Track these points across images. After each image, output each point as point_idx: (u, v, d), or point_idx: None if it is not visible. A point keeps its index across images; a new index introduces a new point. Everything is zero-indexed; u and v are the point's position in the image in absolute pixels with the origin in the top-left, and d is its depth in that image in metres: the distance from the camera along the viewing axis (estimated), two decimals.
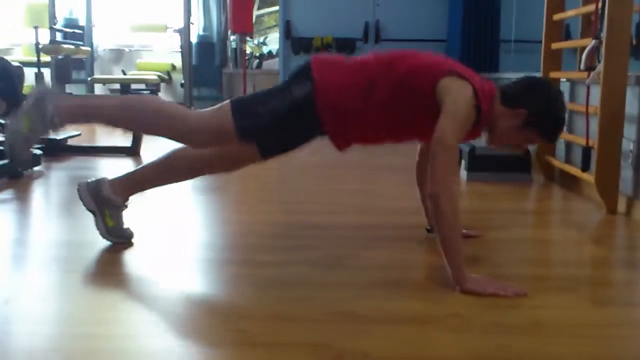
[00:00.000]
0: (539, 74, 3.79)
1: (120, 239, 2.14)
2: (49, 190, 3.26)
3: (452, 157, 1.82)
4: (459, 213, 1.79)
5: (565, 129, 3.60)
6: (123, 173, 2.17)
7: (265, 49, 8.20)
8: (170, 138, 2.00)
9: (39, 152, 3.71)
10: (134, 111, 1.99)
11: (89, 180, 2.13)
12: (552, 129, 1.98)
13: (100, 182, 2.11)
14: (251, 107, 1.95)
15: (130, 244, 2.16)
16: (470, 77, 1.91)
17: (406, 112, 1.96)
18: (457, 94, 1.87)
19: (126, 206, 2.15)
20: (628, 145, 2.83)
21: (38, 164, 3.65)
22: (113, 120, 2.03)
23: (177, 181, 2.18)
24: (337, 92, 1.93)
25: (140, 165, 2.20)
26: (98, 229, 2.12)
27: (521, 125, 1.95)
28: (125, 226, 2.16)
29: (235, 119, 1.92)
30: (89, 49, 6.86)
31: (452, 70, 1.92)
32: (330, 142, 2.03)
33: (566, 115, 2.00)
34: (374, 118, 1.97)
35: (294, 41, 7.35)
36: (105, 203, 2.10)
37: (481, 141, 3.99)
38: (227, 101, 1.99)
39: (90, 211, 2.11)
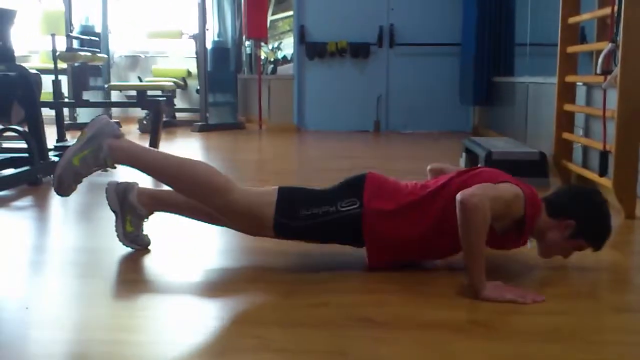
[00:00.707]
0: (555, 79, 3.77)
1: (135, 245, 2.15)
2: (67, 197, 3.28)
3: (480, 215, 1.74)
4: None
5: (581, 132, 3.60)
6: (155, 187, 2.19)
7: (279, 54, 8.22)
8: (207, 206, 1.99)
9: (57, 159, 3.75)
10: (185, 177, 1.96)
11: (119, 182, 2.14)
12: (601, 238, 1.95)
13: (129, 187, 2.12)
14: (296, 207, 1.92)
15: (147, 251, 2.17)
16: (519, 185, 1.90)
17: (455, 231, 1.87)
18: (506, 188, 1.86)
19: (148, 218, 2.16)
20: None
21: None
22: (161, 177, 2.03)
23: (196, 219, 2.14)
24: (385, 222, 1.91)
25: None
26: (116, 230, 2.14)
27: (570, 236, 1.92)
28: (144, 233, 2.18)
29: (276, 212, 1.91)
30: (105, 55, 6.92)
31: (501, 180, 1.90)
32: (366, 256, 1.98)
33: (612, 222, 1.97)
34: (422, 246, 1.95)
35: (308, 46, 7.37)
36: (128, 208, 2.11)
37: (497, 146, 3.97)
38: (276, 188, 1.96)
39: (113, 211, 2.13)
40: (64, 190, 1.99)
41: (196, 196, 1.99)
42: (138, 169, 2.01)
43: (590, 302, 1.77)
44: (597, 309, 1.72)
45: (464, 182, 1.90)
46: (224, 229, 2.17)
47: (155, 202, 2.14)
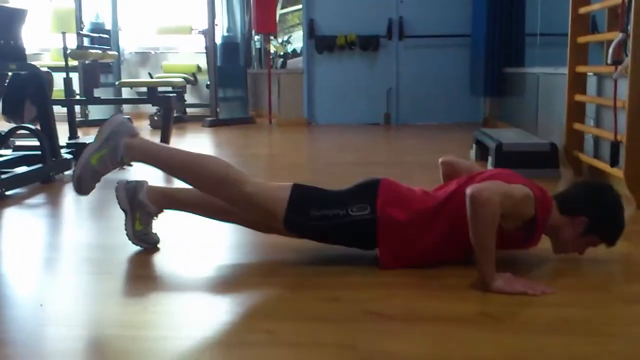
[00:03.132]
0: (565, 69, 3.75)
1: (144, 244, 2.16)
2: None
3: (490, 209, 1.74)
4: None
5: (593, 123, 3.58)
6: (165, 185, 2.20)
7: (289, 48, 8.21)
8: (222, 199, 2.01)
9: (69, 156, 3.78)
10: (201, 171, 1.98)
11: (128, 180, 2.16)
12: (614, 233, 1.95)
13: (138, 185, 2.14)
14: (307, 206, 1.93)
15: (158, 247, 2.19)
16: (529, 186, 1.89)
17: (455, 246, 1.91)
18: (517, 189, 1.85)
19: (157, 216, 2.16)
20: None
21: (69, 168, 3.72)
22: (179, 174, 2.03)
23: (206, 217, 2.16)
24: (397, 230, 1.91)
25: (184, 187, 2.12)
26: (126, 229, 2.14)
27: (583, 233, 1.92)
28: (153, 231, 2.19)
29: (288, 209, 1.92)
30: (115, 53, 6.95)
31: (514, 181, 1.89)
32: (378, 257, 1.97)
33: (625, 217, 1.96)
34: (435, 252, 1.95)
35: (317, 40, 7.35)
36: (138, 206, 2.12)
37: (507, 137, 3.95)
38: (290, 184, 1.97)
39: (123, 210, 2.14)
40: (84, 190, 2.02)
41: (212, 189, 2.00)
42: (155, 166, 2.04)
43: (601, 293, 1.77)
44: (607, 301, 1.71)
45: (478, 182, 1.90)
46: (234, 225, 2.18)
47: (164, 200, 2.15)
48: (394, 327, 1.55)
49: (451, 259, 1.99)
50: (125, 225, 2.15)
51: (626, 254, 2.21)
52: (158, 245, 2.19)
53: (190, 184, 2.04)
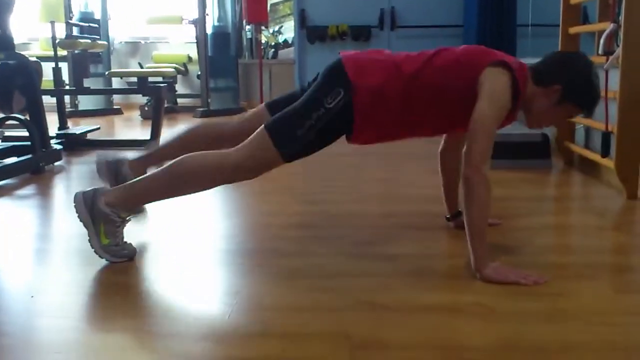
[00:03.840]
0: None
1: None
2: (70, 184, 3.30)
3: (490, 142, 1.81)
4: (491, 200, 1.78)
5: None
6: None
7: (280, 38, 8.18)
8: (223, 183, 1.97)
9: (59, 147, 3.75)
10: (183, 178, 1.91)
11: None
12: (590, 99, 1.94)
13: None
14: (290, 132, 1.89)
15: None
16: (508, 62, 1.89)
17: (445, 107, 1.92)
18: (495, 80, 1.85)
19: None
20: None
21: (59, 159, 3.70)
22: (170, 195, 1.96)
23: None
24: (376, 98, 1.90)
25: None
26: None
27: (558, 102, 1.92)
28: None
29: (278, 147, 1.88)
30: (105, 42, 6.90)
31: (491, 61, 1.89)
32: (348, 136, 1.98)
33: (600, 83, 1.96)
34: (411, 118, 1.96)
35: (309, 30, 7.33)
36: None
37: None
38: (261, 129, 1.91)
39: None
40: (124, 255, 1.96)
41: (204, 185, 1.95)
42: (144, 203, 2.05)
43: (592, 283, 1.77)
44: (598, 290, 1.72)
45: (449, 60, 1.92)
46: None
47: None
48: (387, 317, 1.55)
49: (428, 133, 2.04)
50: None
51: (617, 244, 2.22)
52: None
53: (184, 194, 1.97)
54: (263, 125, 1.92)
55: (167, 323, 1.53)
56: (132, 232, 2.13)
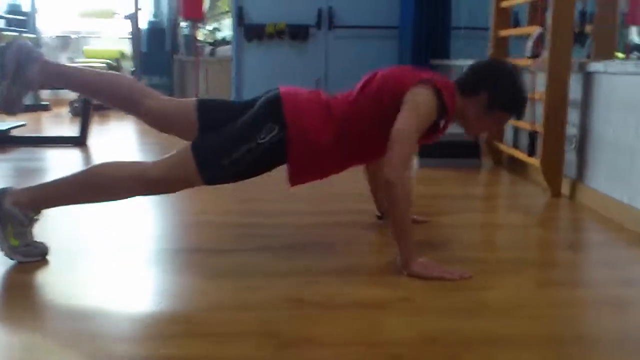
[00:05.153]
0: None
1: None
2: None
3: (410, 149, 1.82)
4: (411, 200, 1.81)
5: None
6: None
7: (219, 35, 8.09)
8: (138, 195, 1.92)
9: None
10: (97, 186, 1.86)
11: None
12: (516, 103, 1.97)
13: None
14: (216, 159, 1.86)
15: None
16: (432, 79, 1.91)
17: (380, 132, 1.89)
18: (417, 95, 1.87)
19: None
20: (572, 130, 2.90)
21: None
22: (81, 200, 1.91)
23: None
24: (311, 137, 1.90)
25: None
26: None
27: (487, 109, 1.95)
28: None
29: (200, 171, 1.85)
30: (33, 35, 6.66)
31: (416, 81, 1.90)
32: (287, 175, 1.97)
33: (526, 87, 2.00)
34: (344, 155, 1.97)
35: (247, 28, 7.26)
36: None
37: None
38: (187, 147, 1.88)
39: None
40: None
41: (118, 195, 1.91)
42: (53, 206, 1.92)
43: (515, 278, 1.82)
44: (521, 284, 1.77)
45: (372, 91, 1.94)
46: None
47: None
48: (316, 314, 1.55)
49: (356, 165, 2.08)
50: None
51: (541, 240, 2.29)
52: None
53: (103, 201, 1.93)
54: (190, 144, 1.88)
55: (94, 325, 1.48)
56: (55, 230, 2.06)
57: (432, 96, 1.87)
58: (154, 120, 1.96)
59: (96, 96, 2.03)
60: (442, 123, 1.96)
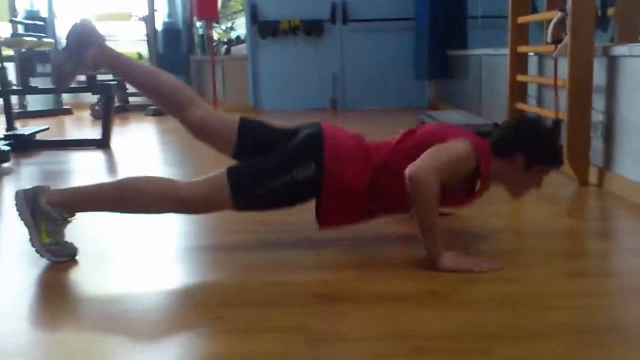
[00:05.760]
0: (507, 50, 3.80)
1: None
2: (19, 186, 3.18)
3: (428, 189, 1.74)
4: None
5: (535, 102, 3.64)
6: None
7: (233, 34, 8.10)
8: (168, 212, 1.93)
9: (6, 148, 3.63)
10: (130, 199, 1.88)
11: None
12: (552, 155, 1.96)
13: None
14: (250, 189, 1.86)
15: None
16: (467, 136, 1.89)
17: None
18: (450, 143, 1.85)
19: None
20: (597, 116, 2.85)
21: (7, 160, 3.58)
22: (112, 210, 1.92)
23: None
24: (346, 182, 1.88)
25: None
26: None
27: (526, 168, 1.92)
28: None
29: (233, 198, 1.86)
30: (52, 40, 6.72)
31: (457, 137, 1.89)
32: (316, 216, 1.96)
33: (559, 138, 2.01)
34: (374, 203, 1.95)
35: (261, 25, 7.27)
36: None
37: (451, 119, 3.99)
38: (222, 174, 1.88)
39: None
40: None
41: (148, 210, 1.93)
42: (85, 211, 1.92)
43: (544, 268, 1.79)
44: (549, 275, 1.74)
45: (410, 146, 1.91)
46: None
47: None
48: (343, 309, 1.54)
49: (392, 214, 2.09)
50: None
51: (569, 229, 2.26)
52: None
53: (125, 212, 1.94)
54: (225, 171, 1.89)
55: (121, 325, 1.49)
56: (82, 232, 2.07)
57: (467, 147, 1.84)
58: (195, 129, 1.99)
59: (143, 90, 2.06)
60: (477, 186, 1.94)
